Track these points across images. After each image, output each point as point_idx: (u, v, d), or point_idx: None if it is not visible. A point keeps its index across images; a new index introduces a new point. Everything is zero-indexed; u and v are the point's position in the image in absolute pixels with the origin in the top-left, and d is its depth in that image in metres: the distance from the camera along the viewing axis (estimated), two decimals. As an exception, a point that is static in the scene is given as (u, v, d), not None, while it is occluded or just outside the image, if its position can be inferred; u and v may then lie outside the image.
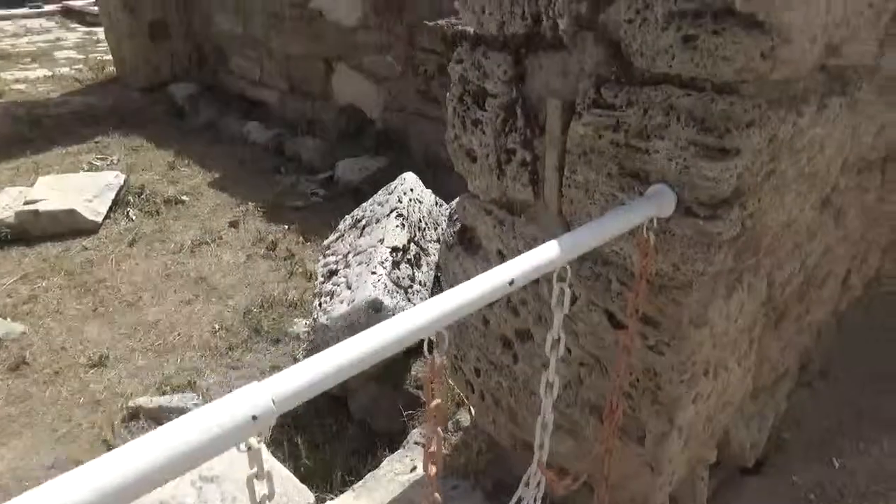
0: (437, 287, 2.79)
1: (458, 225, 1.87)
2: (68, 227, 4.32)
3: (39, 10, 11.55)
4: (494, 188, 1.65)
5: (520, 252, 1.13)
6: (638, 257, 1.30)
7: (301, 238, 4.27)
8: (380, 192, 2.98)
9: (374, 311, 2.48)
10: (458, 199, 1.84)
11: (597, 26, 1.32)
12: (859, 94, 1.55)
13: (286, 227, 4.43)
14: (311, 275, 3.79)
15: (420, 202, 2.80)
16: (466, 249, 1.85)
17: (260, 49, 6.33)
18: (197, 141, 5.99)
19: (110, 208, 4.58)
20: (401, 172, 5.01)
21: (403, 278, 2.65)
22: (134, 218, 4.55)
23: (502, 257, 1.70)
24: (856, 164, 1.82)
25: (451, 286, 1.06)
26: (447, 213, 2.64)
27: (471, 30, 1.62)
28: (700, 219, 1.24)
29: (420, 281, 2.74)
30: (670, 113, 1.23)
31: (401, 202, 2.74)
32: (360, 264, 2.67)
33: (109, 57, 7.42)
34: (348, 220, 2.97)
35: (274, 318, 3.46)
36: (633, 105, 1.28)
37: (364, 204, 3.00)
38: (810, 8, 1.18)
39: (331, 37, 5.52)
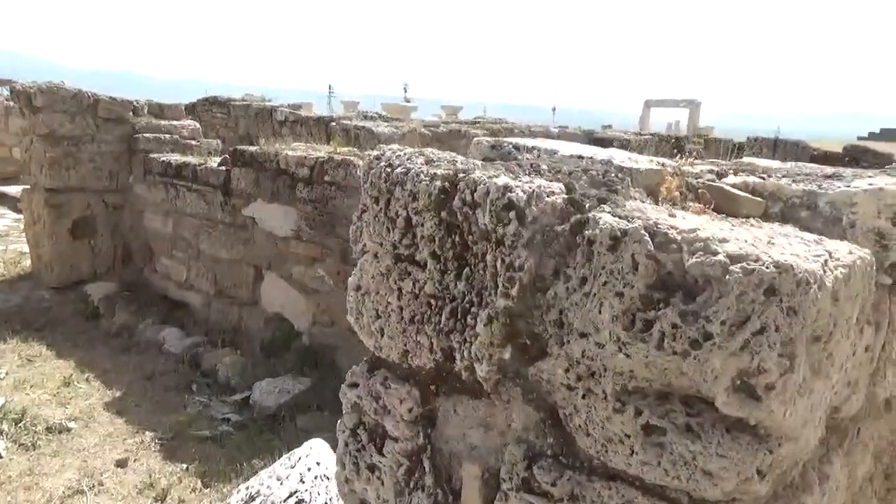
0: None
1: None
2: (-84, 466, 3.58)
3: (-28, 192, 11.23)
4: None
5: None
6: None
7: (199, 484, 3.63)
8: (280, 460, 2.50)
9: None
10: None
11: (527, 382, 0.99)
12: (857, 439, 1.24)
13: (185, 467, 3.80)
14: (203, 538, 3.13)
15: (328, 479, 2.31)
16: None
17: (189, 250, 6.03)
18: (105, 348, 5.42)
19: (-23, 439, 3.88)
20: (325, 398, 4.56)
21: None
22: (3, 454, 3.84)
23: None
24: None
25: None
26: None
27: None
28: None
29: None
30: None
31: (303, 482, 2.26)
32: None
33: (28, 250, 6.99)
34: (242, 492, 2.45)
35: None
36: (578, 501, 0.91)
37: (262, 473, 2.50)
38: (815, 395, 0.87)
39: (262, 244, 5.28)
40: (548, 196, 1.00)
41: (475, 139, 1.45)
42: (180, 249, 6.12)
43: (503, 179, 1.02)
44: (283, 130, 11.78)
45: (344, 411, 1.29)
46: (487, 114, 28.56)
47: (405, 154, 1.21)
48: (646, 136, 12.45)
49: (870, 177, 1.42)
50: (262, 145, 5.23)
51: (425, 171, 1.11)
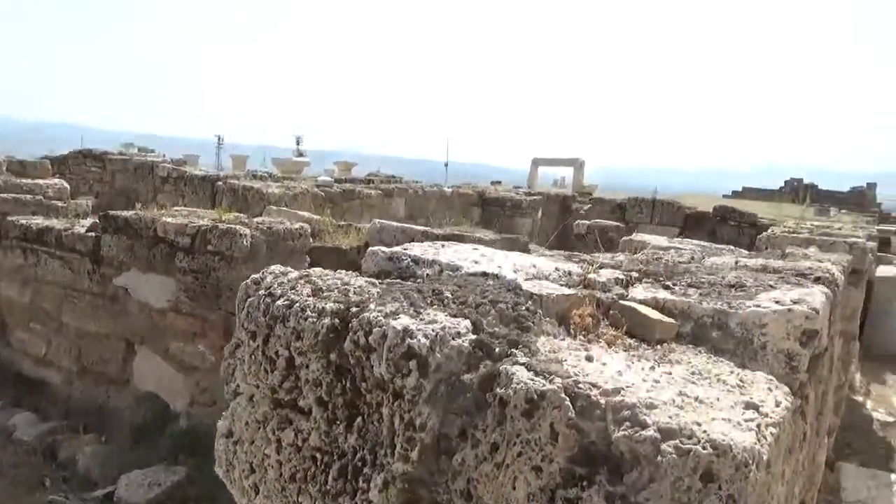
0: None
1: None
2: None
3: None
4: None
5: None
6: None
7: None
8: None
9: None
10: None
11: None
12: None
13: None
14: None
15: None
16: None
17: (50, 322, 5.42)
18: (-60, 439, 4.70)
19: None
20: (202, 490, 4.14)
21: None
22: None
23: None
24: None
25: None
26: None
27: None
28: None
29: None
30: None
31: None
32: None
33: None
34: None
35: None
36: None
37: None
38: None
39: (135, 316, 4.82)
40: (453, 339, 0.87)
41: (370, 249, 1.32)
42: (39, 321, 5.49)
43: (402, 321, 0.88)
44: (165, 187, 11.16)
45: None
46: (381, 170, 28.77)
47: (288, 281, 1.05)
48: (535, 197, 12.87)
49: (773, 287, 1.41)
50: (137, 210, 4.84)
51: (312, 306, 0.96)
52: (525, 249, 6.59)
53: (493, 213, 12.48)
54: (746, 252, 3.29)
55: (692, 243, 3.72)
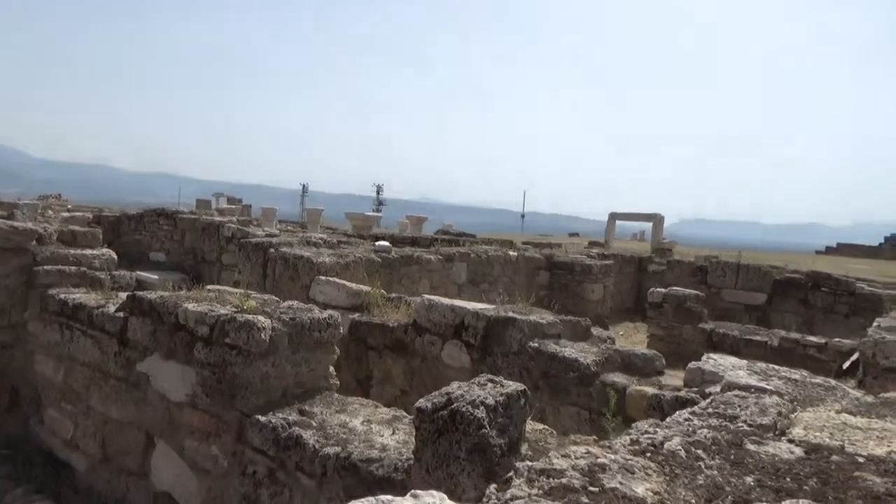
0: None
1: None
2: None
3: None
4: None
5: None
6: None
7: None
8: None
9: None
10: None
11: None
12: None
13: None
14: None
15: None
16: None
17: (78, 403, 5.21)
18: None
19: None
20: None
21: None
22: None
23: None
24: None
25: None
26: None
27: None
28: None
29: None
30: None
31: None
32: None
33: None
34: None
35: None
36: None
37: None
38: None
39: (155, 407, 4.50)
40: None
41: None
42: (69, 401, 5.30)
43: None
44: (229, 247, 11.20)
45: None
46: (454, 224, 28.62)
47: None
48: (607, 262, 12.14)
49: None
50: (161, 294, 4.57)
51: None
52: (587, 335, 5.95)
53: (561, 277, 11.82)
54: (855, 394, 2.58)
55: (782, 374, 3.00)
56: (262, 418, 3.73)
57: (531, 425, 3.23)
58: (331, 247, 8.30)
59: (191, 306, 4.24)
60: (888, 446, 1.77)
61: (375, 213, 26.91)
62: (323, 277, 7.15)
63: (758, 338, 8.65)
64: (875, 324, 4.88)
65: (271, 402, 3.90)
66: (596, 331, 6.04)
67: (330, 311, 4.45)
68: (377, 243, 9.43)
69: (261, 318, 3.99)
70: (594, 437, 3.16)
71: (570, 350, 5.04)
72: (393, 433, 3.57)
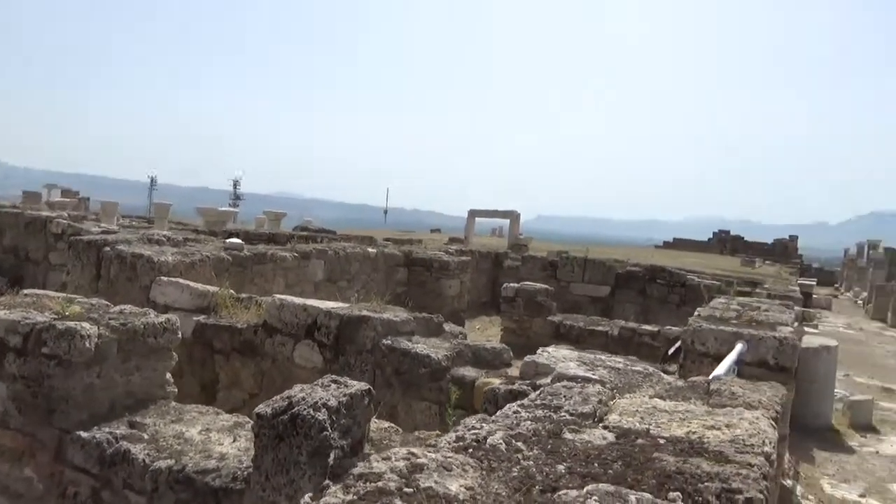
0: None
1: None
2: None
3: None
4: None
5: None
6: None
7: None
8: None
9: None
10: None
11: None
12: None
13: None
14: None
15: None
16: None
17: None
18: None
19: None
20: None
21: None
22: None
23: None
24: None
25: None
26: None
27: None
28: None
29: None
30: None
31: None
32: None
33: None
34: None
35: None
36: None
37: None
38: None
39: (-42, 428, 3.98)
40: None
41: None
42: None
43: None
44: (58, 245, 10.20)
45: None
46: (313, 220, 27.93)
47: None
48: (464, 258, 12.44)
49: None
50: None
51: None
52: (439, 331, 6.05)
53: (419, 274, 11.96)
54: (668, 380, 2.82)
55: (607, 364, 3.25)
56: (84, 434, 3.42)
57: (376, 424, 3.22)
58: (175, 244, 7.80)
59: (1, 314, 3.79)
60: (687, 427, 1.93)
61: (231, 209, 25.67)
62: (165, 278, 6.70)
63: (600, 328, 9.30)
64: (696, 313, 5.36)
65: (97, 415, 3.59)
66: (448, 326, 6.16)
67: (168, 315, 4.17)
68: (228, 241, 9.01)
69: (85, 324, 3.65)
70: (437, 431, 3.21)
71: (422, 346, 5.10)
72: (234, 441, 3.41)
